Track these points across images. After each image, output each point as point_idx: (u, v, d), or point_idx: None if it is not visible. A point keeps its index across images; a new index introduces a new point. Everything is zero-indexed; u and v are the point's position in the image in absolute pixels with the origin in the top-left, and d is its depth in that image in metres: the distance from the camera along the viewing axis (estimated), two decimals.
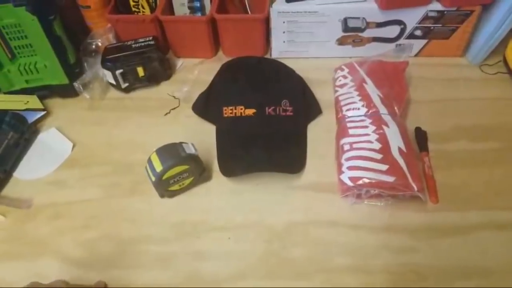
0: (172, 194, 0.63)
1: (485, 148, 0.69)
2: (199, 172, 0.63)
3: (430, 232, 0.59)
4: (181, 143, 0.60)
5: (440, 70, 0.82)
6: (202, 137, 0.71)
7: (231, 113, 0.69)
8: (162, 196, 0.63)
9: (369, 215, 0.62)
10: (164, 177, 0.59)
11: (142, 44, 0.78)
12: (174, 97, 0.79)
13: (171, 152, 0.59)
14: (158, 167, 0.58)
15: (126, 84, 0.79)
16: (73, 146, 0.72)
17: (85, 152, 0.72)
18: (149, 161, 0.59)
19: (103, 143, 0.73)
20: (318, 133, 0.72)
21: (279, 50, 0.85)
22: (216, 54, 0.88)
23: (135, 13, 0.84)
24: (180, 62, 0.86)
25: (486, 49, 0.79)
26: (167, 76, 0.82)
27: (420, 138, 0.69)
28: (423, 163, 0.65)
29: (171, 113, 0.77)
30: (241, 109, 0.69)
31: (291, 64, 0.80)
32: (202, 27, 0.80)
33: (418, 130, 0.70)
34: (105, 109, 0.79)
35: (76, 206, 0.65)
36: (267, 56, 0.87)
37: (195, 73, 0.82)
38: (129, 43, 0.78)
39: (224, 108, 0.69)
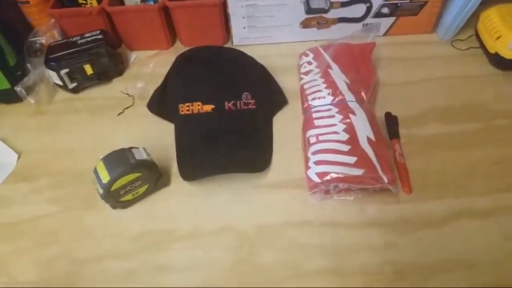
0: (126, 205, 0.58)
1: (460, 130, 0.65)
2: (154, 178, 0.58)
3: (405, 225, 0.56)
4: (130, 148, 0.55)
5: (410, 49, 0.77)
6: (160, 137, 0.66)
7: (187, 110, 0.63)
8: (114, 207, 0.58)
9: (341, 211, 0.57)
10: (112, 188, 0.53)
11: (89, 39, 0.71)
12: (128, 94, 0.73)
13: (119, 160, 0.53)
14: (105, 178, 0.52)
15: (74, 84, 0.73)
16: (19, 157, 0.66)
17: (32, 163, 0.66)
18: (95, 171, 0.54)
19: (51, 151, 0.67)
20: (284, 125, 0.67)
21: (240, 37, 0.79)
22: (173, 44, 0.81)
23: (83, 6, 0.77)
24: (134, 56, 0.80)
25: (457, 23, 0.75)
26: (120, 72, 0.76)
27: (391, 124, 0.65)
28: (394, 151, 0.62)
29: (125, 113, 0.71)
30: (199, 105, 0.63)
31: (254, 51, 0.75)
32: (153, 16, 0.74)
33: (388, 116, 0.66)
34: (53, 114, 0.72)
35: (26, 224, 0.59)
36: (228, 44, 0.81)
37: (150, 66, 0.76)
38: (74, 39, 0.72)
39: (180, 105, 0.64)
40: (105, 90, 0.75)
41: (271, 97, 0.68)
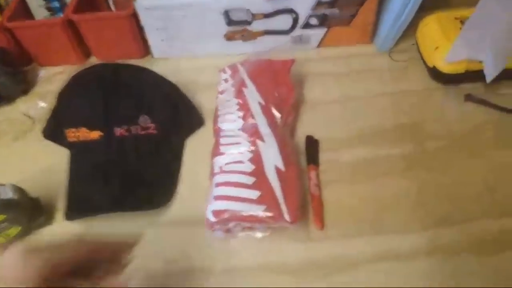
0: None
1: (391, 155, 0.58)
2: (27, 219, 0.50)
3: (315, 269, 0.49)
4: None
5: (344, 63, 0.70)
6: (56, 168, 0.58)
7: (73, 136, 0.56)
8: None
9: (244, 253, 0.50)
10: None
11: None
12: (28, 116, 0.66)
13: None
14: None
15: None
16: None
17: None
18: None
19: None
20: (197, 150, 0.60)
21: (159, 49, 0.72)
22: (88, 58, 0.74)
23: None
24: (42, 72, 0.73)
25: (394, 33, 0.68)
26: (24, 92, 0.69)
27: (310, 149, 0.58)
28: (309, 180, 0.54)
29: (24, 138, 0.64)
30: (85, 131, 0.56)
31: (177, 65, 0.68)
32: (58, 30, 0.67)
33: (309, 140, 0.59)
34: None
35: None
36: (148, 57, 0.74)
37: (55, 84, 0.68)
38: None
39: (67, 130, 0.56)
40: (6, 112, 0.68)
41: (182, 118, 0.61)
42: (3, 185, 0.48)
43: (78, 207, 0.52)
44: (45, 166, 0.59)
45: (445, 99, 0.64)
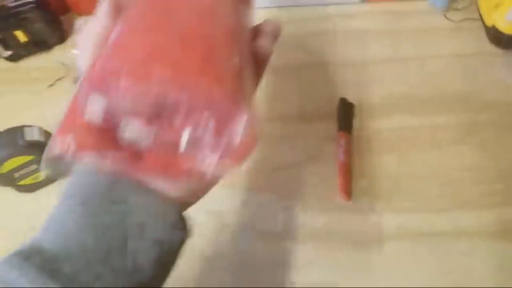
0: (28, 189, 0.53)
1: (434, 125, 0.53)
2: None
3: (335, 239, 0.46)
4: (23, 126, 0.49)
5: (392, 20, 0.64)
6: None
7: None
8: (18, 191, 0.53)
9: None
10: (3, 171, 0.48)
11: (21, 2, 0.64)
12: (63, 64, 0.66)
13: (6, 140, 0.47)
14: None
15: (9, 52, 0.67)
16: None
17: None
18: None
19: None
20: None
21: None
22: None
23: None
24: (80, 22, 0.72)
25: None
26: (60, 39, 0.69)
27: (343, 113, 0.54)
28: (339, 148, 0.51)
29: (57, 85, 0.65)
30: None
31: None
32: None
33: (342, 102, 0.55)
34: None
35: None
36: None
37: None
38: (6, 2, 0.65)
39: None
40: (44, 59, 0.69)
41: None
42: (31, 126, 0.49)
43: None
44: None
45: (503, 66, 0.57)
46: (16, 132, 0.48)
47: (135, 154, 0.25)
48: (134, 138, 0.24)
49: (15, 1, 0.65)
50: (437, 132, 0.52)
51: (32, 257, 0.23)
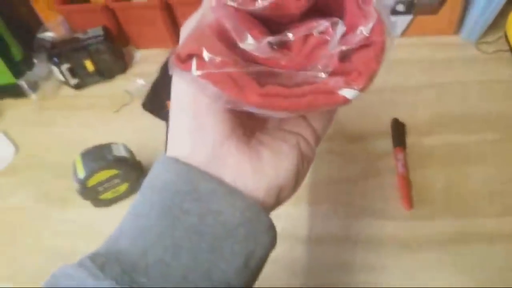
0: (107, 203, 0.56)
1: (478, 141, 0.58)
2: (135, 177, 0.55)
3: (399, 247, 0.50)
4: (110, 144, 0.53)
5: (429, 51, 0.70)
6: (152, 136, 0.64)
7: None
8: (96, 206, 0.56)
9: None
10: (89, 184, 0.52)
11: (91, 35, 0.71)
12: (127, 92, 0.72)
13: (96, 155, 0.52)
14: (81, 173, 0.51)
15: (76, 80, 0.73)
16: (16, 151, 0.67)
17: (26, 156, 0.66)
18: (73, 166, 0.52)
19: (47, 145, 0.67)
20: None
21: None
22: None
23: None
24: (139, 54, 0.79)
25: (482, 22, 0.67)
26: (122, 70, 0.75)
27: (397, 132, 0.59)
28: (396, 161, 0.55)
29: (123, 110, 0.70)
30: None
31: None
32: (155, 13, 0.73)
33: (395, 122, 0.60)
34: (55, 109, 0.72)
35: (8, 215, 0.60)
36: None
37: (151, 66, 0.74)
38: (78, 35, 0.72)
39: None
40: (107, 87, 0.75)
41: None
42: (117, 144, 0.54)
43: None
44: (142, 136, 0.64)
45: None
46: (105, 148, 0.53)
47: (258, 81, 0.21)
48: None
49: (85, 34, 0.71)
50: (483, 148, 0.57)
51: (109, 265, 0.21)
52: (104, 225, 0.55)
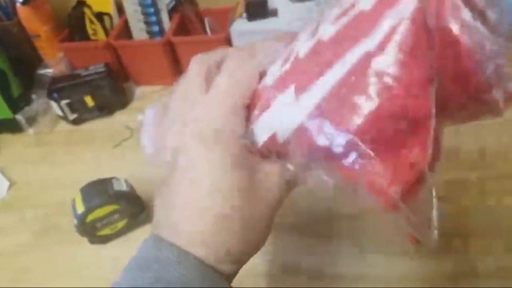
0: (103, 239, 0.54)
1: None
2: (134, 213, 0.54)
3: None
4: (110, 179, 0.52)
5: None
6: (151, 171, 0.62)
7: None
8: (92, 242, 0.54)
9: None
10: (88, 220, 0.50)
11: (92, 72, 0.71)
12: (127, 127, 0.71)
13: (97, 190, 0.50)
14: (80, 208, 0.49)
15: (75, 116, 0.72)
16: (9, 187, 0.65)
17: (21, 193, 0.64)
18: (73, 202, 0.51)
19: (43, 182, 0.65)
20: None
21: None
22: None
23: (92, 39, 0.79)
24: (139, 90, 0.79)
25: None
26: (122, 105, 0.75)
27: None
28: None
29: (122, 145, 0.69)
30: None
31: None
32: (158, 51, 0.74)
33: None
34: (52, 144, 0.71)
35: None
36: None
37: (151, 101, 0.74)
38: (78, 71, 0.72)
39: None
40: (106, 123, 0.74)
41: None
42: (118, 179, 0.52)
43: None
44: (142, 171, 0.63)
45: None
46: (105, 183, 0.51)
47: None
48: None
49: (86, 70, 0.72)
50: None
51: None
52: (100, 263, 0.53)
